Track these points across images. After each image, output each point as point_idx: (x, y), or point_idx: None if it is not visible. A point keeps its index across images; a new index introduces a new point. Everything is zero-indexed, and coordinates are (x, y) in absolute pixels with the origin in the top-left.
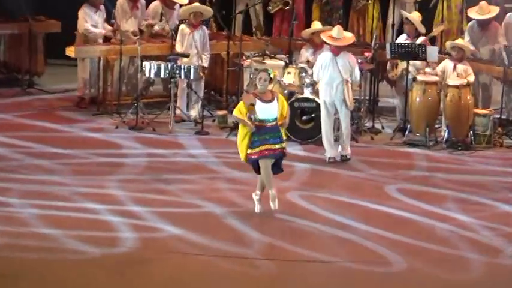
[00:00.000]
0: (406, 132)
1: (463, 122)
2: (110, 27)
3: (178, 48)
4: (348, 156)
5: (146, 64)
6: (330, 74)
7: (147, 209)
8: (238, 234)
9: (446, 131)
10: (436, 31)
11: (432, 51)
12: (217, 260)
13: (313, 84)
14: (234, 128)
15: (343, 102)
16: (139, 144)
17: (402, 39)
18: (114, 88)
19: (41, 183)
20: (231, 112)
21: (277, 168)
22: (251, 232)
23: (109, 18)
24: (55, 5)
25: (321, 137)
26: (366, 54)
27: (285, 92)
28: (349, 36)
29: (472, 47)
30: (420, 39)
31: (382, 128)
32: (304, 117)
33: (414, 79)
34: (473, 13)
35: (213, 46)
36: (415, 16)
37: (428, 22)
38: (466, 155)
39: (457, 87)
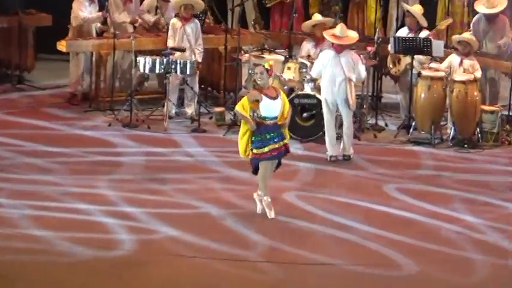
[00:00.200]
0: (411, 130)
1: (470, 119)
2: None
3: (171, 43)
4: (351, 156)
5: (140, 59)
6: (332, 72)
7: (142, 209)
8: (237, 235)
9: (452, 128)
10: (443, 24)
11: (438, 46)
12: (215, 263)
13: (314, 79)
14: (232, 125)
15: (345, 101)
16: (133, 142)
17: (403, 33)
18: (107, 84)
19: (32, 182)
20: (229, 109)
21: (277, 163)
22: (250, 234)
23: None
24: None
25: (322, 134)
26: (369, 49)
27: (285, 87)
28: (353, 36)
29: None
30: (424, 33)
31: (386, 125)
32: (304, 114)
33: (419, 74)
34: (480, 6)
35: (210, 40)
36: (417, 9)
37: (430, 15)
38: (472, 153)
39: (463, 82)
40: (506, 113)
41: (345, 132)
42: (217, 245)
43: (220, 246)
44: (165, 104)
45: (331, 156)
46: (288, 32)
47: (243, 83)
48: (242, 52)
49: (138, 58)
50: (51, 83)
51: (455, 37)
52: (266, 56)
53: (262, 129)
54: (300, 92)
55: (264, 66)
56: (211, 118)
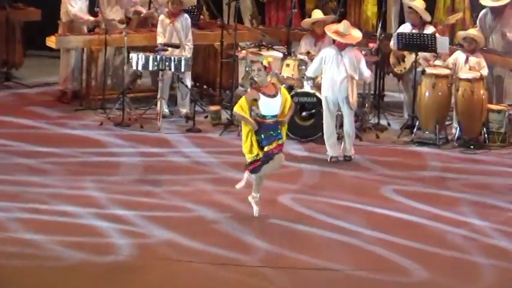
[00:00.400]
0: (414, 130)
1: (476, 118)
2: (92, 18)
3: (160, 40)
4: (352, 157)
5: (133, 55)
6: (334, 69)
7: (136, 212)
8: (234, 239)
9: (458, 128)
10: (452, 18)
11: (443, 42)
12: (212, 268)
13: (314, 77)
14: (228, 124)
15: (346, 100)
16: (126, 142)
17: (407, 29)
18: (99, 81)
19: (21, 184)
20: (225, 107)
21: None
22: (247, 238)
23: (92, 6)
24: None
25: (322, 134)
26: (371, 45)
27: (283, 85)
28: (356, 35)
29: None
30: (430, 29)
31: (389, 125)
32: (304, 113)
33: (423, 72)
34: (487, 0)
35: (205, 36)
36: (419, 4)
37: (430, 10)
38: (479, 154)
39: (469, 80)
40: None
41: (346, 132)
42: (214, 249)
43: (217, 250)
44: (159, 102)
45: (331, 157)
46: (286, 27)
47: (240, 81)
48: (239, 49)
49: (130, 55)
50: (40, 81)
51: (461, 33)
52: (264, 52)
53: (265, 128)
54: (299, 90)
55: (261, 63)
56: (206, 117)
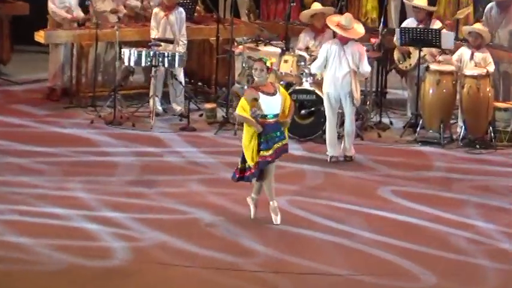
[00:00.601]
0: (418, 129)
1: (482, 116)
2: (82, 14)
3: (154, 34)
4: (353, 156)
5: (125, 51)
6: (337, 64)
7: (127, 214)
8: (231, 243)
9: (463, 127)
10: (461, 13)
11: (448, 37)
12: (209, 272)
13: (313, 74)
14: (224, 123)
15: (349, 96)
16: (117, 141)
17: (412, 24)
18: (89, 78)
19: (8, 184)
20: (221, 105)
21: None
22: (244, 241)
23: (83, 0)
24: None
25: (322, 133)
26: (373, 40)
27: (282, 82)
28: (359, 31)
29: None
30: (437, 24)
31: (391, 123)
32: (303, 111)
33: (427, 68)
34: None
35: (200, 30)
36: (421, 2)
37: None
38: (484, 154)
39: (475, 77)
40: None
41: (346, 130)
42: (211, 252)
43: (213, 254)
44: (152, 100)
45: (331, 157)
46: (284, 22)
47: (236, 78)
48: (235, 44)
49: (122, 50)
50: (28, 77)
51: (466, 28)
52: (261, 48)
53: (267, 129)
54: (298, 87)
55: (265, 63)
56: (201, 115)
